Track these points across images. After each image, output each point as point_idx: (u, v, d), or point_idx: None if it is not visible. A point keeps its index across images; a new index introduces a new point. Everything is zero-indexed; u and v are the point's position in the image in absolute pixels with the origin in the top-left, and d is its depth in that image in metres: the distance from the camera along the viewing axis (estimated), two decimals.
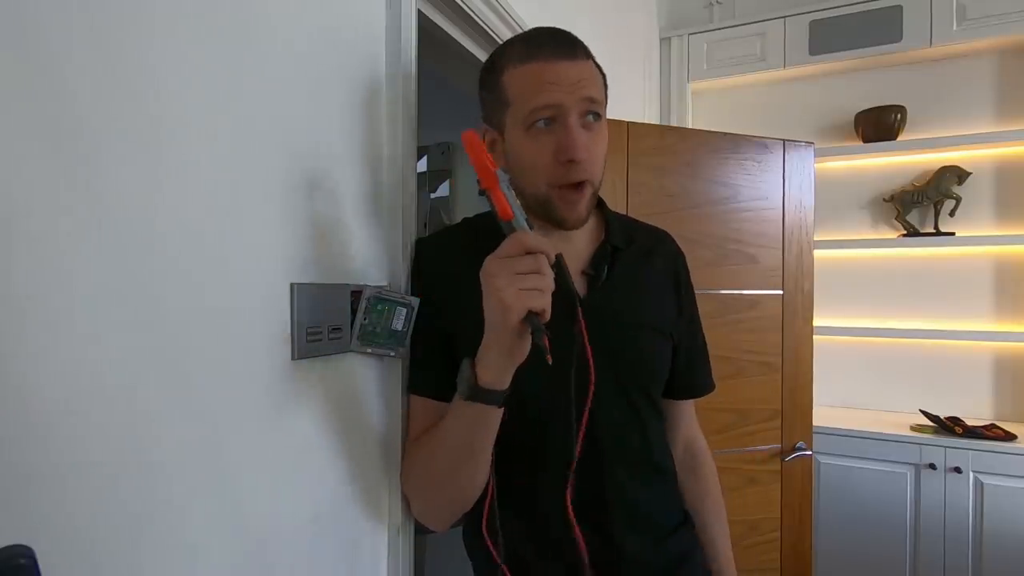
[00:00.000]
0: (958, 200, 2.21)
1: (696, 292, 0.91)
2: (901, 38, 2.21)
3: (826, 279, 2.36)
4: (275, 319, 0.61)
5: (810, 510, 1.71)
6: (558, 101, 0.67)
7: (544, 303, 0.57)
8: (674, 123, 2.56)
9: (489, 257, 0.59)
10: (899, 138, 2.29)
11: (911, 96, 2.30)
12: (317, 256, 0.67)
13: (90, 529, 0.45)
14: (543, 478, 0.74)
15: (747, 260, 1.63)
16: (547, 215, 0.72)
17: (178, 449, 0.51)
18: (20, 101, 0.40)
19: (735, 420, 1.61)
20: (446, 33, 1.01)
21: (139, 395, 0.48)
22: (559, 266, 0.62)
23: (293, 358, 0.63)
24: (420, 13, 0.88)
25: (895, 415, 2.27)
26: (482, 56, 1.08)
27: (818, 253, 2.22)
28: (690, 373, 0.88)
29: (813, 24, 2.34)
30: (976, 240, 2.17)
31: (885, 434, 2.06)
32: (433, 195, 2.21)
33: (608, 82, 0.75)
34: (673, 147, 1.55)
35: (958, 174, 2.20)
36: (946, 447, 1.98)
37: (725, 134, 1.62)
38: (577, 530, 0.70)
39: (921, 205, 2.26)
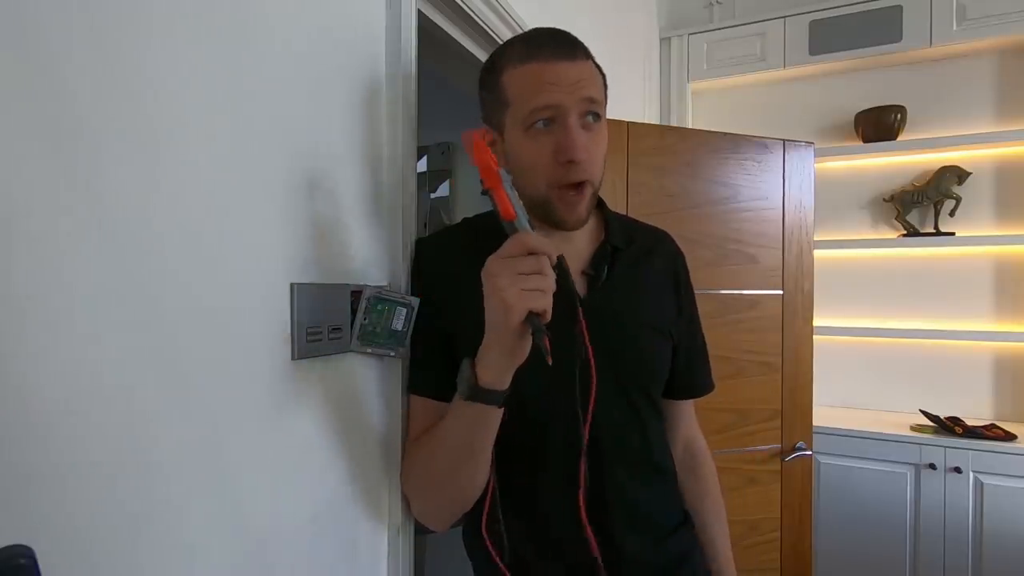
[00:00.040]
0: (958, 200, 2.21)
1: (696, 292, 0.91)
2: (901, 38, 2.21)
3: (826, 279, 2.36)
4: (275, 319, 0.61)
5: (810, 510, 1.71)
6: (557, 101, 0.67)
7: (545, 304, 0.57)
8: (674, 123, 2.56)
9: (491, 257, 0.59)
10: (899, 138, 2.29)
11: (911, 96, 2.30)
12: (317, 256, 0.67)
13: (90, 529, 0.45)
14: (543, 478, 0.74)
15: (747, 260, 1.63)
16: (547, 216, 0.72)
17: (178, 449, 0.51)
18: (20, 101, 0.40)
19: (735, 420, 1.61)
20: (446, 33, 1.01)
21: (138, 395, 0.48)
22: (560, 267, 0.62)
23: (293, 358, 0.63)
24: (420, 13, 0.88)
25: (895, 415, 2.27)
26: (482, 56, 1.08)
27: (818, 253, 2.22)
28: (690, 373, 0.88)
29: (813, 24, 2.34)
30: (976, 240, 2.17)
31: (885, 434, 2.06)
32: (433, 195, 2.21)
33: (608, 82, 0.75)
34: (673, 147, 1.55)
35: (958, 174, 2.20)
36: (946, 447, 1.98)
37: (725, 134, 1.62)
38: (589, 531, 0.70)
39: (921, 205, 2.26)
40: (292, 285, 0.63)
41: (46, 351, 0.42)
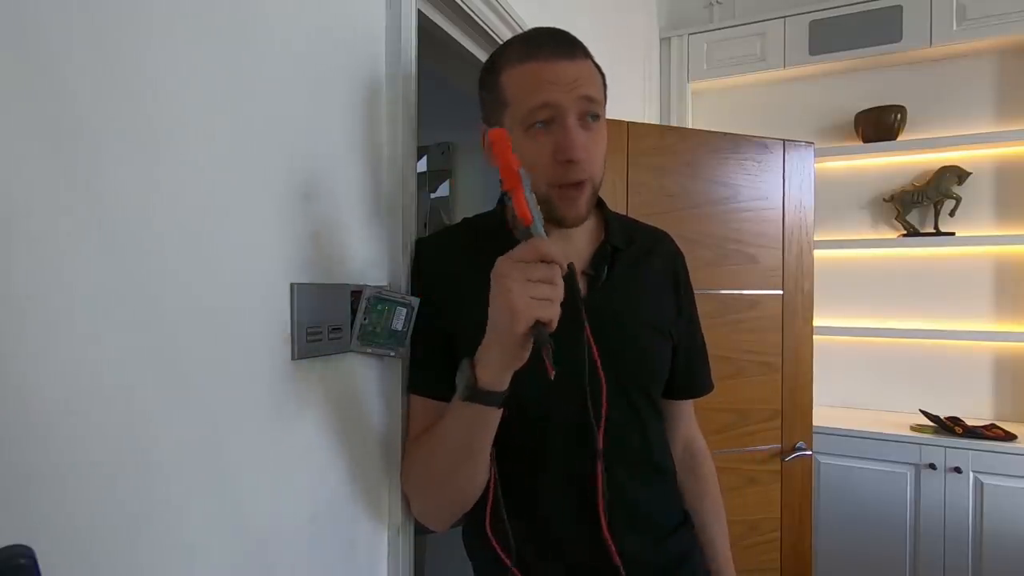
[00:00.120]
0: (958, 200, 2.21)
1: (696, 292, 0.91)
2: (901, 38, 2.21)
3: (826, 279, 2.36)
4: (275, 319, 0.61)
5: (810, 510, 1.71)
6: (556, 100, 0.67)
7: (553, 315, 0.56)
8: (674, 123, 2.56)
9: (502, 258, 0.58)
10: (899, 138, 2.29)
11: (911, 96, 2.30)
12: (317, 256, 0.67)
13: (89, 529, 0.45)
14: (543, 479, 0.74)
15: (747, 260, 1.63)
16: (547, 213, 0.72)
17: (177, 449, 0.51)
18: (20, 101, 0.40)
19: (735, 420, 1.61)
20: (446, 33, 1.01)
21: (138, 395, 0.48)
22: (571, 277, 0.61)
23: (293, 358, 0.63)
24: (420, 13, 0.88)
25: (895, 415, 2.27)
26: (482, 56, 1.08)
27: (818, 253, 2.22)
28: (689, 373, 0.88)
29: (813, 24, 2.34)
30: (976, 240, 2.17)
31: (885, 434, 2.06)
32: (433, 195, 2.21)
33: (608, 82, 0.75)
34: (673, 147, 1.55)
35: (958, 174, 2.20)
36: (946, 447, 1.98)
37: (725, 134, 1.62)
38: (609, 539, 0.70)
39: (921, 205, 2.26)
40: (292, 285, 0.63)
41: (46, 351, 0.42)
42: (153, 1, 0.49)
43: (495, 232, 0.79)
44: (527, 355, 0.60)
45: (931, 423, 2.09)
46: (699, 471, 0.91)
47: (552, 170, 0.69)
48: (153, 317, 0.49)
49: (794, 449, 1.67)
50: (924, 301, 2.28)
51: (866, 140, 2.32)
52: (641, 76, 2.35)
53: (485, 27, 1.04)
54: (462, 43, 1.06)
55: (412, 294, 0.77)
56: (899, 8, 2.20)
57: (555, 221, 0.72)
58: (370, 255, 0.76)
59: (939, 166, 2.23)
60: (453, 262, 0.79)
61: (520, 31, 1.03)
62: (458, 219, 1.29)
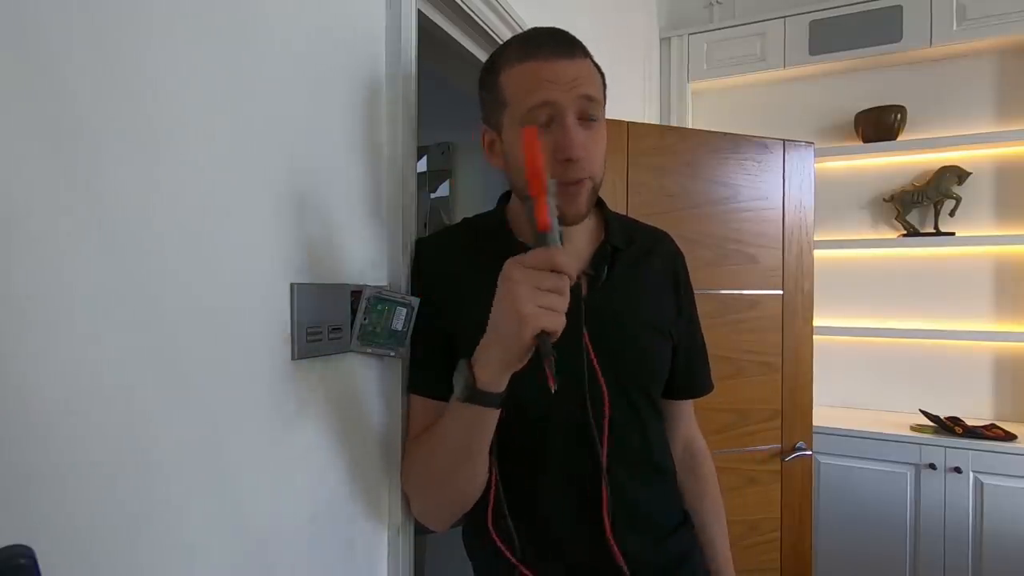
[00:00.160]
0: (958, 200, 2.21)
1: (696, 292, 0.91)
2: (901, 38, 2.21)
3: (826, 279, 2.36)
4: (275, 319, 0.61)
5: (810, 510, 1.71)
6: (554, 99, 0.67)
7: (558, 326, 0.56)
8: (674, 123, 2.56)
9: (512, 261, 0.58)
10: (899, 138, 2.29)
11: (911, 96, 2.30)
12: (317, 256, 0.67)
13: (90, 529, 0.45)
14: (543, 480, 0.74)
15: (747, 260, 1.63)
16: None
17: (177, 449, 0.51)
18: (20, 101, 0.40)
19: (735, 420, 1.61)
20: (446, 33, 1.01)
21: (138, 395, 0.48)
22: (576, 288, 0.61)
23: (293, 358, 0.63)
24: (420, 13, 0.88)
25: (895, 415, 2.27)
26: (482, 56, 1.08)
27: (818, 253, 2.22)
28: (689, 373, 0.88)
29: (813, 24, 2.34)
30: (976, 240, 2.17)
31: (885, 434, 2.06)
32: (433, 195, 2.21)
33: (608, 82, 0.75)
34: (673, 147, 1.55)
35: (958, 174, 2.20)
36: (946, 447, 1.98)
37: (725, 134, 1.62)
38: (613, 544, 0.71)
39: (921, 205, 2.26)
40: (292, 285, 0.63)
41: (46, 351, 0.42)
42: (153, 1, 0.49)
43: (495, 232, 0.79)
44: (526, 360, 0.60)
45: (931, 423, 2.09)
46: (699, 471, 0.91)
47: (551, 169, 0.68)
48: (153, 317, 0.49)
49: (794, 449, 1.67)
50: (924, 301, 2.28)
51: (866, 140, 2.32)
52: (641, 76, 2.35)
53: (485, 27, 1.04)
54: (462, 43, 1.06)
55: (412, 294, 0.77)
56: (899, 8, 2.20)
57: None
58: (370, 255, 0.76)
59: (939, 166, 2.23)
60: (453, 262, 0.79)
61: (520, 31, 1.03)
62: (458, 219, 1.29)
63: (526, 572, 0.72)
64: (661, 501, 0.81)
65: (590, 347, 0.72)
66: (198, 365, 0.53)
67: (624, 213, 0.98)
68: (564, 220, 0.72)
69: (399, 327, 0.73)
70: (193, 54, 0.52)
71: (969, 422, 2.05)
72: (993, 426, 2.01)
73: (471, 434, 0.65)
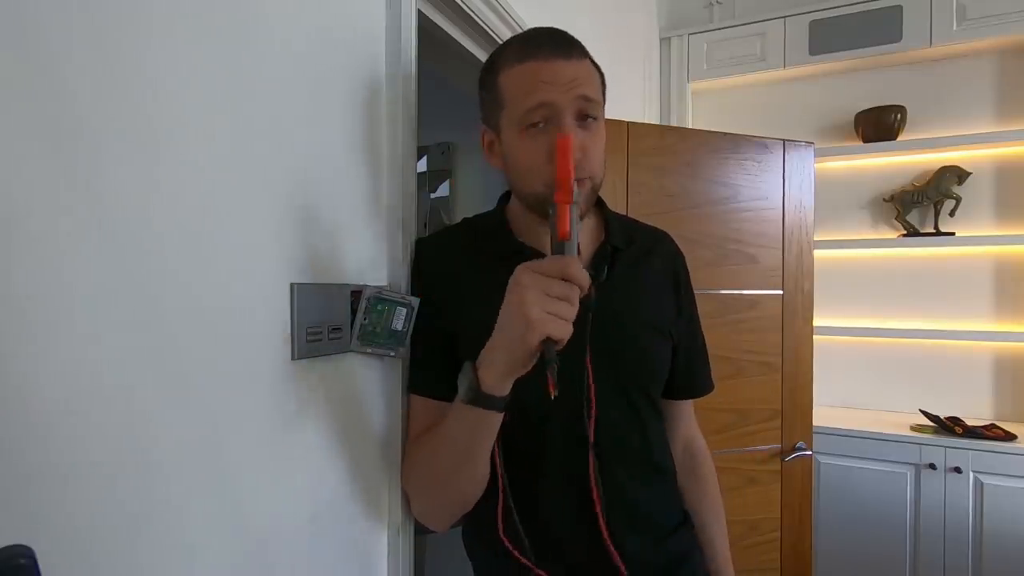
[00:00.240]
0: (958, 200, 2.21)
1: (696, 292, 0.91)
2: (901, 38, 2.21)
3: (826, 279, 2.36)
4: (275, 319, 0.61)
5: (810, 510, 1.71)
6: (552, 100, 0.67)
7: (565, 334, 0.56)
8: (674, 123, 2.56)
9: (524, 266, 0.58)
10: (899, 138, 2.29)
11: (911, 96, 2.30)
12: (317, 256, 0.67)
13: (90, 529, 0.45)
14: (543, 481, 0.74)
15: (747, 260, 1.63)
16: (544, 213, 0.72)
17: (177, 449, 0.51)
18: (20, 101, 0.40)
19: (735, 420, 1.61)
20: (446, 33, 1.01)
21: (138, 395, 0.48)
22: (585, 297, 0.61)
23: (293, 358, 0.63)
24: (420, 13, 0.88)
25: (895, 415, 2.27)
26: (482, 56, 1.08)
27: (818, 253, 2.22)
28: (689, 373, 0.88)
29: (813, 24, 2.34)
30: (976, 240, 2.17)
31: (885, 434, 2.06)
32: (433, 195, 2.21)
33: (608, 82, 0.75)
34: (673, 147, 1.55)
35: (958, 174, 2.20)
36: (946, 447, 1.98)
37: (725, 134, 1.62)
38: (608, 540, 0.71)
39: (921, 205, 2.26)
40: (292, 285, 0.63)
41: (46, 351, 0.42)
42: (153, 1, 0.49)
43: (495, 232, 0.79)
44: (530, 366, 0.59)
45: (931, 423, 2.09)
46: (699, 471, 0.91)
47: (548, 171, 0.68)
48: (153, 317, 0.49)
49: (794, 449, 1.67)
50: (924, 301, 2.28)
51: (866, 140, 2.32)
52: (641, 76, 2.35)
53: (485, 27, 1.04)
54: (462, 43, 1.06)
55: (412, 294, 0.77)
56: (899, 8, 2.20)
57: None
58: (370, 255, 0.76)
59: (939, 166, 2.23)
60: (453, 262, 0.79)
61: (520, 31, 1.03)
62: (458, 219, 1.29)
63: (540, 572, 0.72)
64: (661, 501, 0.81)
65: (589, 350, 0.72)
66: (198, 365, 0.53)
67: (624, 213, 0.98)
68: None
69: (399, 327, 0.73)
70: (193, 54, 0.52)
71: (969, 422, 2.05)
72: (993, 426, 2.01)
73: (474, 436, 0.65)
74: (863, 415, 2.28)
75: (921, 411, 2.16)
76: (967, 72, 2.24)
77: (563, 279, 0.56)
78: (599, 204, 0.82)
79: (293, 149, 0.64)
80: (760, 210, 1.64)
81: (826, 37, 2.32)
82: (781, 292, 1.67)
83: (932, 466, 1.99)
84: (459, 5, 0.96)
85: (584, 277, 0.57)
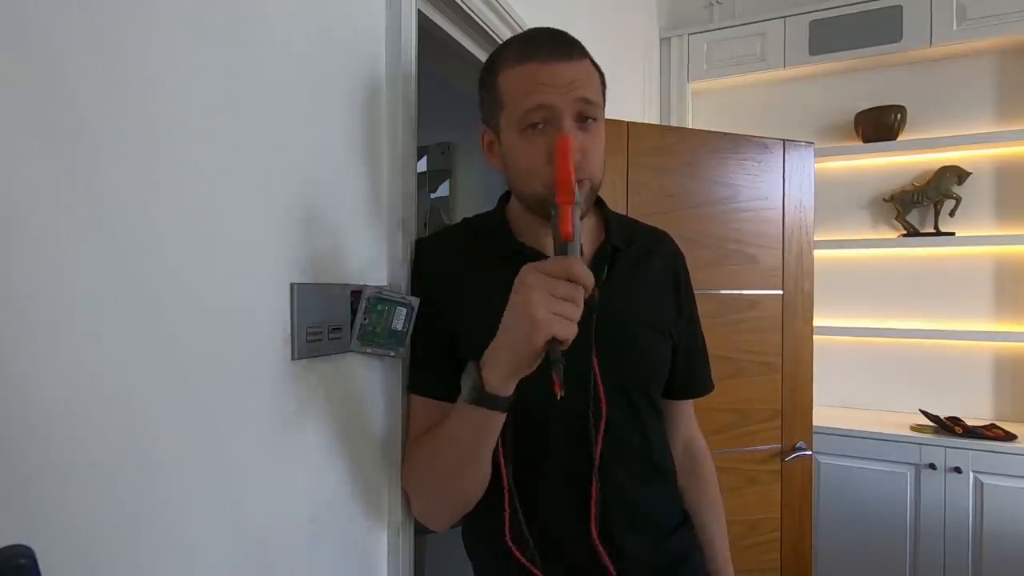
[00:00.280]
0: (958, 200, 2.21)
1: (696, 292, 0.91)
2: (901, 38, 2.21)
3: (826, 279, 2.36)
4: (275, 319, 0.61)
5: (810, 510, 1.71)
6: (551, 102, 0.67)
7: (570, 334, 0.56)
8: (674, 123, 2.56)
9: (529, 266, 0.58)
10: (899, 138, 2.29)
11: (911, 96, 2.30)
12: (317, 256, 0.67)
13: (90, 529, 0.45)
14: (543, 484, 0.74)
15: (747, 260, 1.63)
16: (544, 213, 0.72)
17: (177, 449, 0.51)
18: (20, 101, 0.40)
19: (735, 420, 1.61)
20: (446, 33, 1.01)
21: (138, 395, 0.48)
22: (589, 298, 0.61)
23: (293, 358, 0.63)
24: (420, 13, 0.88)
25: (895, 415, 2.27)
26: (482, 56, 1.08)
27: (818, 253, 2.22)
28: (689, 373, 0.88)
29: (813, 24, 2.34)
30: (976, 240, 2.17)
31: (885, 434, 2.06)
32: (433, 195, 2.21)
33: (608, 82, 0.75)
34: (673, 147, 1.55)
35: (958, 174, 2.20)
36: (946, 447, 1.98)
37: (725, 134, 1.62)
38: (600, 547, 0.71)
39: (921, 205, 2.26)
40: (292, 285, 0.63)
41: (46, 351, 0.42)
42: (153, 1, 0.49)
43: (495, 232, 0.79)
44: (534, 367, 0.60)
45: (931, 423, 2.09)
46: (699, 471, 0.91)
47: (547, 172, 0.68)
48: (153, 317, 0.49)
49: (794, 449, 1.67)
50: (924, 301, 2.28)
51: (866, 140, 2.32)
52: (641, 76, 2.35)
53: (485, 27, 1.04)
54: (462, 43, 1.06)
55: (412, 294, 0.77)
56: (899, 8, 2.20)
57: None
58: (370, 255, 0.76)
59: (939, 166, 2.23)
60: (453, 262, 0.79)
61: (520, 31, 1.03)
62: (458, 219, 1.29)
63: (540, 573, 0.72)
64: (661, 501, 0.81)
65: (595, 350, 0.72)
66: (198, 365, 0.53)
67: (624, 213, 0.98)
68: None
69: (399, 327, 0.73)
70: (193, 54, 0.52)
71: (969, 422, 2.05)
72: (993, 426, 2.01)
73: (477, 436, 0.65)
74: (863, 415, 2.28)
75: (921, 411, 2.16)
76: (967, 72, 2.24)
77: (567, 279, 0.56)
78: (599, 204, 0.82)
79: (293, 149, 0.64)
80: (760, 210, 1.64)
81: (826, 37, 2.32)
82: (781, 292, 1.67)
83: (932, 466, 1.99)
84: (459, 5, 0.97)
85: (588, 277, 0.57)
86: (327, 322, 0.67)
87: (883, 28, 2.23)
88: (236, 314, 0.57)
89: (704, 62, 2.54)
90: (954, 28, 2.13)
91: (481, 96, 0.76)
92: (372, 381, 0.76)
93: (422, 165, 2.17)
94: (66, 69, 0.43)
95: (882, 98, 2.33)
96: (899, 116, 2.26)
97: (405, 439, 0.78)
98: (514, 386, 0.61)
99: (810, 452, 1.69)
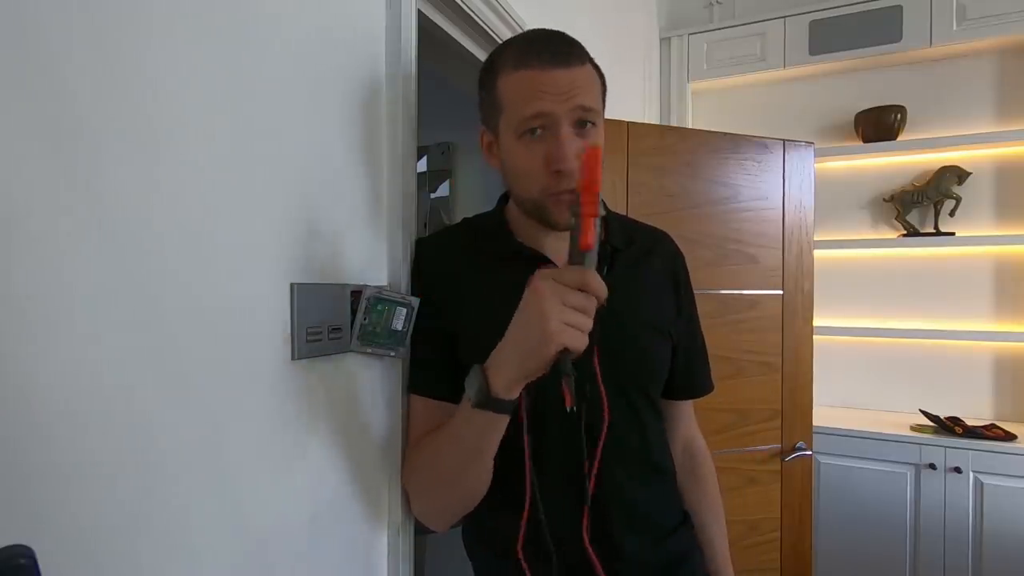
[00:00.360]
0: (958, 200, 2.21)
1: (696, 292, 0.91)
2: (901, 38, 2.21)
3: (826, 279, 2.36)
4: (275, 319, 0.61)
5: (810, 510, 1.71)
6: (549, 110, 0.66)
7: (581, 344, 0.56)
8: (674, 123, 2.56)
9: (543, 274, 0.58)
10: (899, 138, 2.29)
11: (911, 96, 2.30)
12: (317, 256, 0.67)
13: (90, 529, 0.45)
14: (544, 481, 0.74)
15: (747, 260, 1.63)
16: (541, 217, 0.72)
17: (178, 449, 0.51)
18: (20, 101, 0.40)
19: (735, 420, 1.61)
20: (446, 33, 1.01)
21: (139, 395, 0.48)
22: (600, 308, 0.61)
23: (293, 358, 0.63)
24: (420, 13, 0.88)
25: (895, 415, 2.27)
26: (482, 56, 1.08)
27: (818, 253, 2.22)
28: (689, 373, 0.88)
29: (813, 24, 2.34)
30: (976, 240, 2.17)
31: (885, 434, 2.06)
32: (433, 195, 2.21)
33: (608, 82, 0.75)
34: (673, 147, 1.55)
35: (958, 174, 2.20)
36: (946, 447, 1.98)
37: (725, 134, 1.62)
38: (590, 549, 0.71)
39: (921, 205, 2.26)
40: (292, 285, 0.63)
41: (46, 351, 0.42)
42: (153, 1, 0.49)
43: (495, 232, 0.79)
44: (542, 372, 0.59)
45: (931, 423, 2.09)
46: (699, 471, 0.91)
47: (545, 178, 0.68)
48: (153, 317, 0.49)
49: (794, 449, 1.67)
50: (924, 301, 2.28)
51: (866, 140, 2.32)
52: (641, 76, 2.35)
53: (485, 27, 1.04)
54: (462, 43, 1.06)
55: (412, 294, 0.77)
56: (899, 8, 2.20)
57: (548, 225, 0.72)
58: (370, 255, 0.76)
59: (939, 166, 2.23)
60: (453, 262, 0.79)
61: (520, 31, 1.03)
62: (458, 219, 1.29)
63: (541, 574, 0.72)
64: (660, 501, 0.81)
65: (596, 351, 0.72)
66: (198, 365, 0.53)
67: (624, 213, 0.98)
68: (557, 227, 0.72)
69: (399, 327, 0.73)
70: (193, 54, 0.52)
71: (969, 422, 2.05)
72: (993, 426, 2.01)
73: (482, 438, 0.65)
74: (863, 415, 2.28)
75: (921, 411, 2.16)
76: (967, 72, 2.24)
77: (581, 290, 0.56)
78: None
79: (293, 149, 0.64)
80: (760, 210, 1.64)
81: (826, 37, 2.32)
82: (781, 292, 1.67)
83: (932, 466, 1.99)
84: (459, 5, 0.96)
85: (603, 289, 0.57)
86: (327, 322, 0.67)
87: (883, 28, 2.23)
88: (236, 314, 0.57)
89: (704, 62, 2.54)
90: (954, 28, 2.13)
91: (480, 96, 0.76)
92: (372, 381, 0.76)
93: (422, 165, 2.17)
94: (66, 69, 0.43)
95: (882, 98, 2.33)
96: (899, 116, 2.26)
97: (405, 439, 0.78)
98: (519, 391, 0.61)
99: (810, 452, 1.69)
